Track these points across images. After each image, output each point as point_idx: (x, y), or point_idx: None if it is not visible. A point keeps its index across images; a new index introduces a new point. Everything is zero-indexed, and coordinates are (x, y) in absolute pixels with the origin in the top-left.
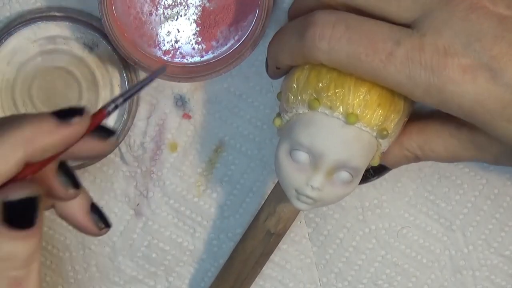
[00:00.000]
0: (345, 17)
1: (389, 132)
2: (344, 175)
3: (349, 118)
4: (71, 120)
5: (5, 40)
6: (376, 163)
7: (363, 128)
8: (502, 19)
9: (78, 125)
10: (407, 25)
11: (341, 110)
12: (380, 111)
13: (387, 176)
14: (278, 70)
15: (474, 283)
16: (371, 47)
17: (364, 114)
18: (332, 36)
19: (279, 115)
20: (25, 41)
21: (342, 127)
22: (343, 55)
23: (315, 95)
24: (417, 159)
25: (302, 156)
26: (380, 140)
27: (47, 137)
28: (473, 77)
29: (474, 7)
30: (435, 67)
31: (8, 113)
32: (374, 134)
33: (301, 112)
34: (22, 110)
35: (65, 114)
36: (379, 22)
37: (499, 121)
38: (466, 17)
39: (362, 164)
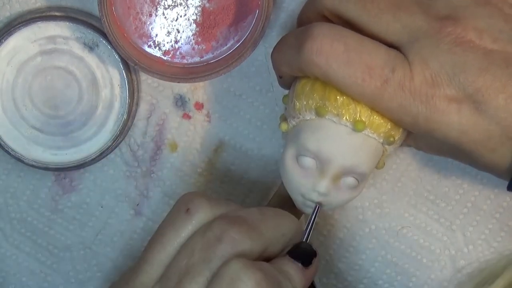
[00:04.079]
0: (343, 33)
1: (395, 138)
2: (350, 180)
3: (357, 125)
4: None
5: (5, 40)
6: (381, 167)
7: (370, 134)
8: (487, 52)
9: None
10: (395, 46)
11: (348, 117)
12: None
13: (387, 176)
14: (281, 79)
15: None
16: (368, 73)
17: (371, 121)
18: (330, 54)
19: (285, 119)
20: (25, 41)
21: (349, 134)
22: (340, 76)
23: (321, 102)
24: (409, 146)
25: (309, 161)
26: (386, 146)
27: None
28: (458, 108)
29: (459, 41)
30: (423, 96)
31: (8, 113)
32: (381, 140)
33: (308, 118)
34: (23, 110)
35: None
36: (376, 44)
37: (483, 151)
38: (451, 49)
39: (368, 170)
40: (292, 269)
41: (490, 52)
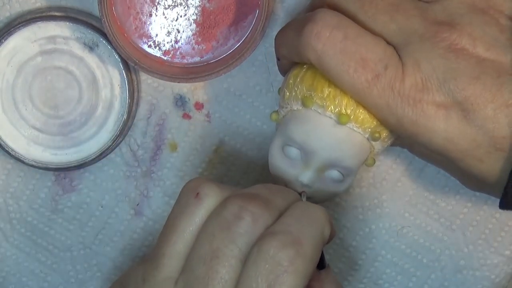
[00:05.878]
0: (345, 23)
1: (382, 135)
2: (334, 174)
3: (341, 118)
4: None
5: (5, 40)
6: (370, 164)
7: (355, 128)
8: (480, 61)
9: None
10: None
11: (333, 109)
12: None
13: (387, 176)
14: (279, 62)
15: (474, 283)
16: (362, 64)
17: (356, 115)
18: (328, 39)
19: (277, 110)
20: (25, 41)
21: (334, 126)
22: (333, 63)
23: (308, 93)
24: (403, 148)
25: (294, 152)
26: (373, 143)
27: None
28: (446, 114)
29: (453, 47)
30: (411, 99)
31: (8, 113)
32: (366, 135)
33: (295, 108)
34: (23, 110)
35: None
36: (375, 39)
37: (470, 160)
38: (444, 55)
39: (353, 164)
40: (322, 213)
41: (482, 61)
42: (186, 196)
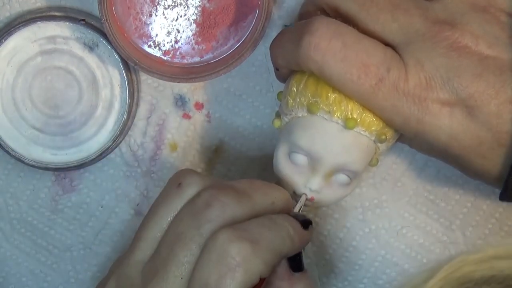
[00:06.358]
0: (342, 30)
1: (388, 136)
2: (342, 177)
3: (348, 123)
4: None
5: (5, 40)
6: (374, 164)
7: (361, 132)
8: (482, 58)
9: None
10: (391, 46)
11: (339, 114)
12: None
13: (387, 176)
14: (278, 71)
15: None
16: (364, 71)
17: (363, 118)
18: (327, 50)
19: (278, 116)
20: (25, 41)
21: (341, 131)
22: (335, 72)
23: (313, 100)
24: (403, 143)
25: (301, 158)
26: (379, 144)
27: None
28: (451, 111)
29: (455, 46)
30: (416, 98)
31: (8, 113)
32: (373, 138)
33: (300, 115)
34: (22, 110)
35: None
36: (374, 42)
37: (473, 156)
38: (447, 53)
39: (360, 167)
40: (291, 225)
41: (485, 58)
42: (170, 185)
